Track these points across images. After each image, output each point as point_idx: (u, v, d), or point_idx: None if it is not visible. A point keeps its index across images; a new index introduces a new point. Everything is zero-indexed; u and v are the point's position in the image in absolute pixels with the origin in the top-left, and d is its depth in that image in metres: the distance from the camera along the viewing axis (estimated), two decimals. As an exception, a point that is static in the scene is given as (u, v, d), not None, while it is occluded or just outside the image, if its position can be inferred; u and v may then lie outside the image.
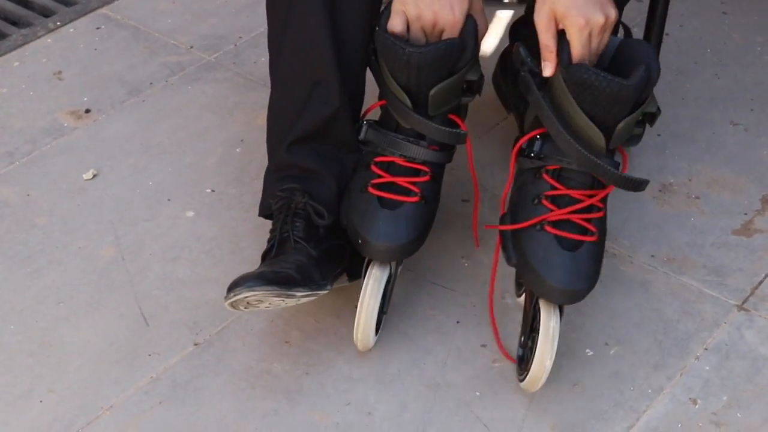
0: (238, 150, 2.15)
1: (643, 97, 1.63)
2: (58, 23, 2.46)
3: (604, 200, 1.70)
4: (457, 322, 1.84)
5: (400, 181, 1.73)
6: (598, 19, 1.60)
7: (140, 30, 2.45)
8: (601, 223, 1.69)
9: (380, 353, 1.79)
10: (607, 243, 1.97)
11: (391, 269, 1.75)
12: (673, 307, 1.87)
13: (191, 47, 2.41)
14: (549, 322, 1.66)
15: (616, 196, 2.06)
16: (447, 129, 1.71)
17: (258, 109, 2.23)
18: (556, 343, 1.66)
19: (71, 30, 2.45)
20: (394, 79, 1.69)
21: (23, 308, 1.85)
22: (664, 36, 2.35)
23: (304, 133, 1.78)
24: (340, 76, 1.74)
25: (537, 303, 1.69)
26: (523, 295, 1.80)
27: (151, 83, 2.31)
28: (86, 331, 1.82)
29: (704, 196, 2.08)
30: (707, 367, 1.79)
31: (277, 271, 1.66)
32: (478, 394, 1.74)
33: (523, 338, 1.75)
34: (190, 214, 2.03)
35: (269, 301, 1.66)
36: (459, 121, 1.76)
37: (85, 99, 2.27)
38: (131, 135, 2.19)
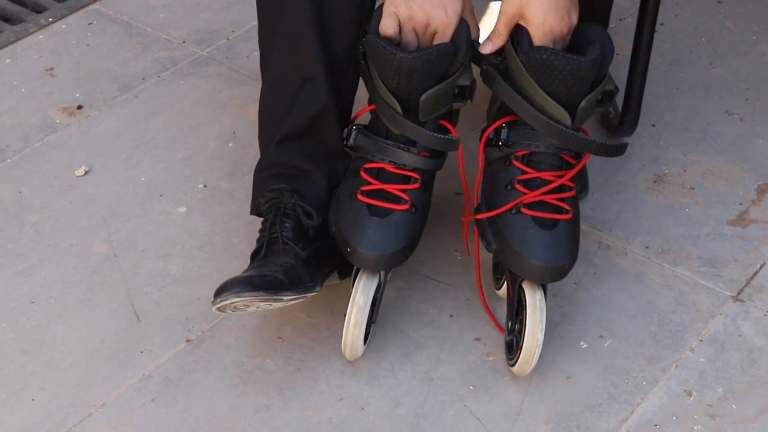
0: (230, 145, 2.15)
1: (601, 75, 1.67)
2: (50, 19, 2.46)
3: (574, 179, 1.72)
4: (451, 315, 1.83)
5: (390, 188, 1.71)
6: (562, 29, 1.65)
7: (132, 25, 2.44)
8: (574, 201, 1.72)
9: (373, 348, 1.78)
10: (601, 234, 1.97)
11: (380, 278, 1.73)
12: (668, 299, 1.87)
13: (183, 42, 2.40)
14: (535, 296, 1.67)
15: (610, 187, 2.06)
16: (438, 135, 1.70)
17: (250, 104, 2.22)
18: (544, 316, 1.67)
19: (63, 26, 2.44)
20: (384, 84, 1.67)
21: (15, 306, 1.85)
22: (659, 26, 2.34)
23: (292, 130, 1.77)
24: (327, 72, 1.73)
25: (520, 287, 1.70)
26: (504, 286, 1.80)
27: (143, 78, 2.30)
28: (78, 329, 1.81)
29: (699, 187, 2.06)
30: (702, 359, 1.78)
31: (264, 275, 1.65)
32: (471, 388, 1.73)
33: (510, 323, 1.74)
34: (183, 209, 2.02)
35: (257, 305, 1.65)
36: (450, 127, 1.75)
37: (77, 95, 2.26)
38: (123, 131, 2.18)
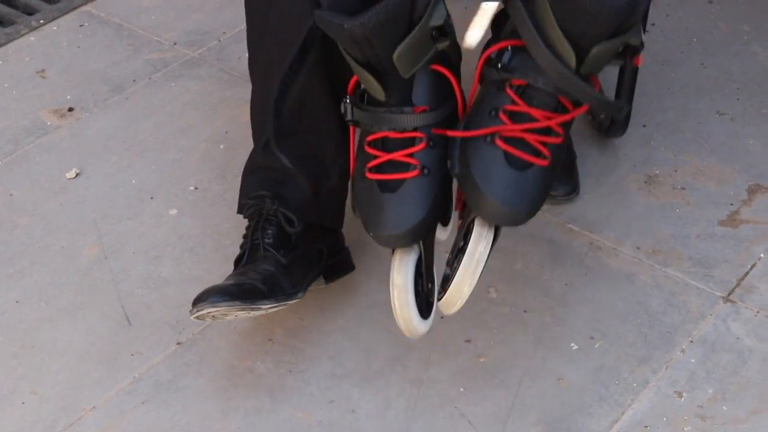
0: (221, 147, 2.15)
1: (627, 25, 1.50)
2: (42, 21, 2.45)
3: (564, 126, 1.58)
4: (441, 317, 1.83)
5: (396, 156, 1.58)
6: None
7: (123, 27, 2.44)
8: (557, 150, 1.58)
9: (363, 350, 1.78)
10: (591, 235, 1.96)
11: (419, 247, 1.62)
12: (659, 300, 1.87)
13: (175, 43, 2.39)
14: (477, 246, 1.56)
15: (601, 187, 2.06)
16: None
17: (242, 105, 2.21)
18: (480, 269, 1.56)
19: (54, 28, 2.44)
20: (351, 57, 1.56)
21: (5, 309, 1.85)
22: (650, 26, 2.35)
23: (281, 123, 1.76)
24: None
25: (472, 222, 1.59)
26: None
27: (134, 80, 2.30)
28: (69, 332, 1.81)
29: (690, 187, 2.06)
30: (693, 360, 1.78)
31: (243, 283, 1.65)
32: (462, 389, 1.73)
33: (450, 257, 1.64)
34: (173, 212, 2.02)
35: (235, 314, 1.65)
36: (444, 70, 1.60)
37: (68, 97, 2.26)
38: (114, 133, 2.18)
